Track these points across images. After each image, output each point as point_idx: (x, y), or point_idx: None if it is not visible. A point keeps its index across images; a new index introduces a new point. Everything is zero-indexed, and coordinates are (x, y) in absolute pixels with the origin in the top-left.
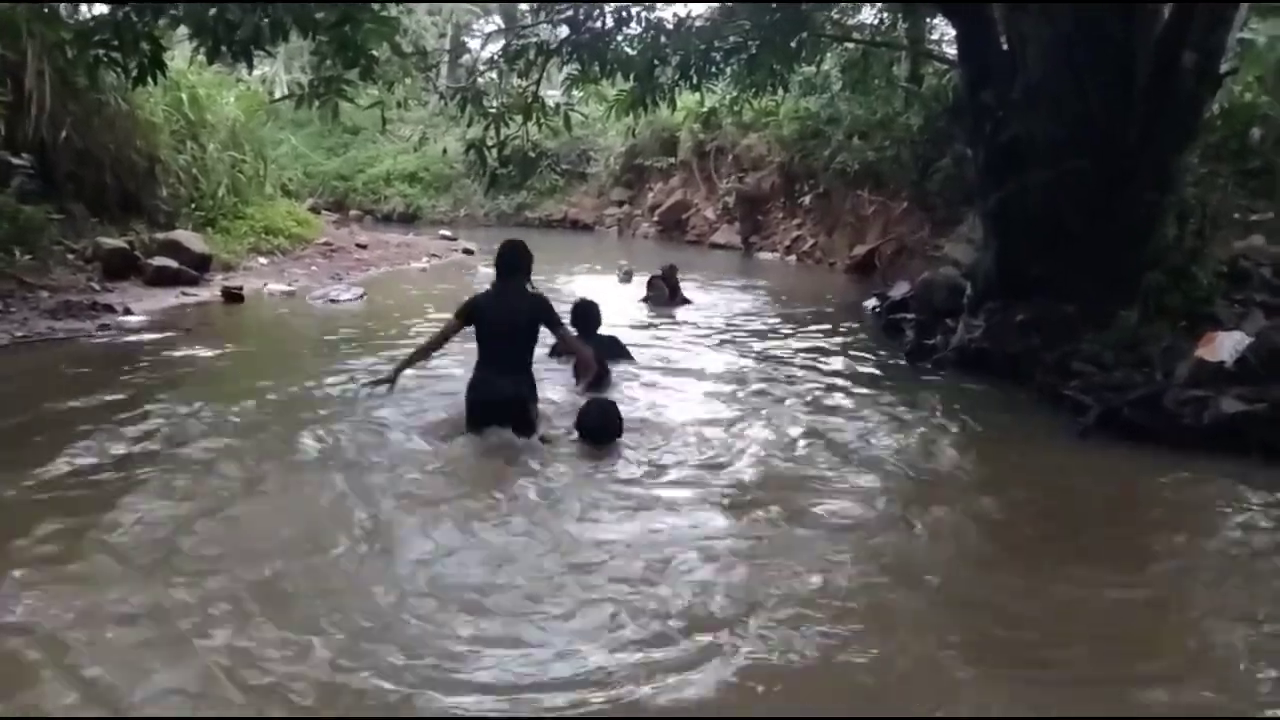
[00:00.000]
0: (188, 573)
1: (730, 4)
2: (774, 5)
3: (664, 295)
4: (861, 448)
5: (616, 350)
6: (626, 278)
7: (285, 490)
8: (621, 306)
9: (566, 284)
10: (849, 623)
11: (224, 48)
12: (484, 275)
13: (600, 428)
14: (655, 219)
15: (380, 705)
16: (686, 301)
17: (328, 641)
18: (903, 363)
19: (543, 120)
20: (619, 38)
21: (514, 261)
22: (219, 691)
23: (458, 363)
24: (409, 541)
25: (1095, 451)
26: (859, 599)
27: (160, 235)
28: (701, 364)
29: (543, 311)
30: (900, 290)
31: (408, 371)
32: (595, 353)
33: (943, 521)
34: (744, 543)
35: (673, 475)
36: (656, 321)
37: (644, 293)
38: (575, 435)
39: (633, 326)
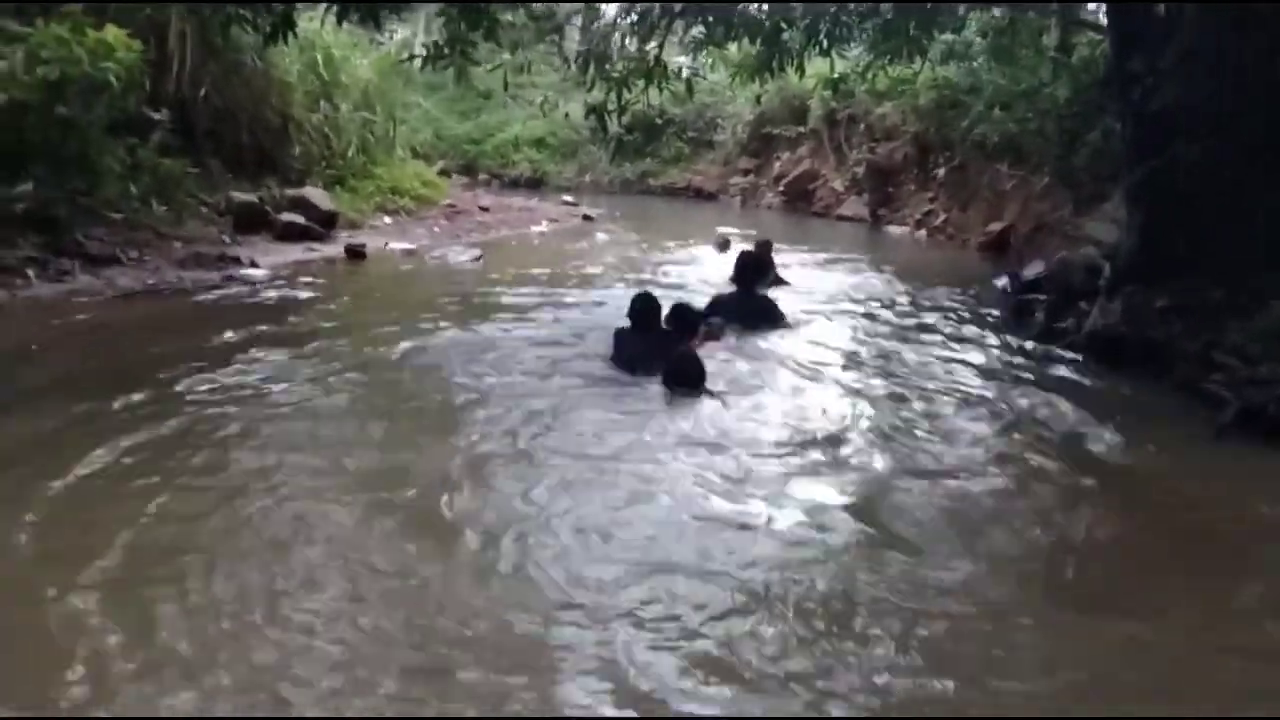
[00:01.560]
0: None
1: None
2: None
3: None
4: (974, 438)
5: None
6: (723, 246)
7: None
8: (701, 285)
9: (664, 254)
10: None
11: (352, 9)
12: (600, 241)
13: (679, 372)
14: (780, 189)
15: None
16: (782, 283)
17: None
18: (1029, 346)
19: (665, 85)
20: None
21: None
22: None
23: None
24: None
25: (1234, 454)
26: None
27: (290, 192)
28: (811, 342)
29: None
30: (1034, 269)
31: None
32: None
33: (1056, 536)
34: (841, 531)
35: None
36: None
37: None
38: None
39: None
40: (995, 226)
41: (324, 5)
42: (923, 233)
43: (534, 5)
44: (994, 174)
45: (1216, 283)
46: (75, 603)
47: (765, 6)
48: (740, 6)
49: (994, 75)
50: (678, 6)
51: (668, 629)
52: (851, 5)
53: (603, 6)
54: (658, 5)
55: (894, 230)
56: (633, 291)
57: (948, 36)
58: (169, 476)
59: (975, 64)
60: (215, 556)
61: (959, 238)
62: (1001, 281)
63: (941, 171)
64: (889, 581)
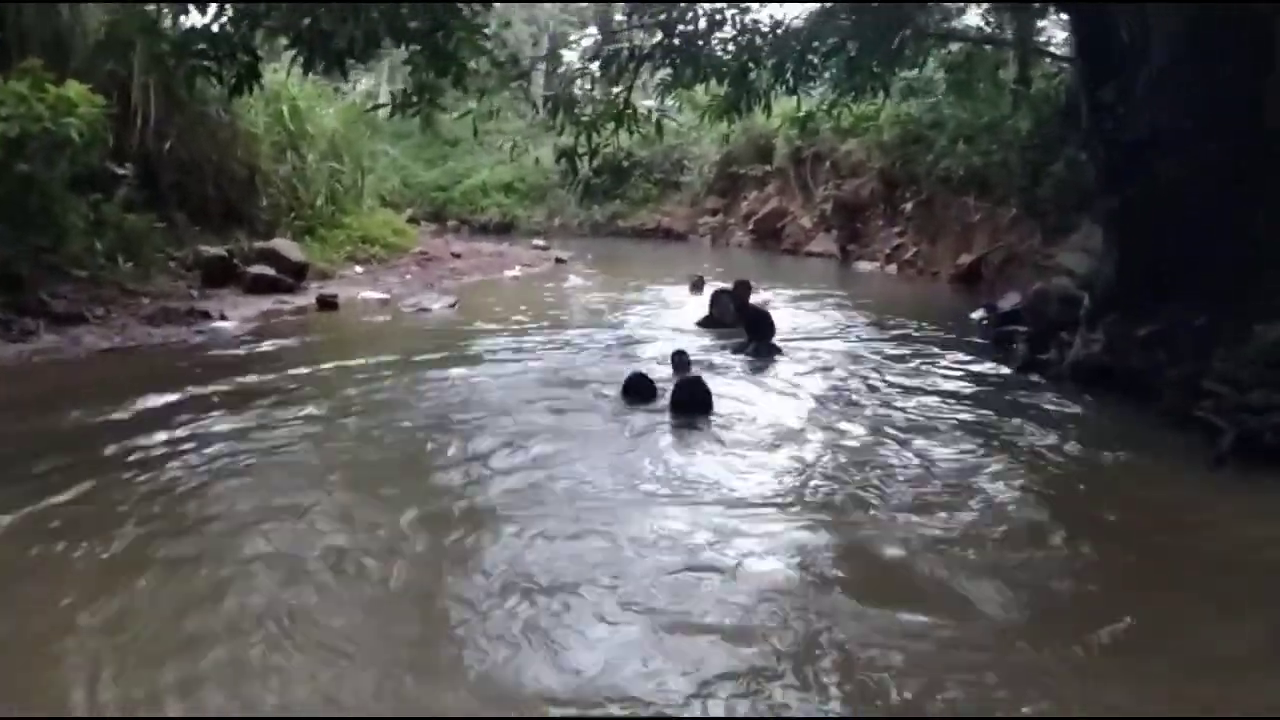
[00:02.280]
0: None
1: (829, 4)
2: (875, 4)
3: (729, 314)
4: (966, 472)
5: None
6: (697, 287)
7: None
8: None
9: (638, 295)
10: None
11: (319, 58)
12: (574, 284)
13: (689, 400)
14: (750, 228)
15: None
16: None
17: None
18: (1013, 378)
19: (634, 127)
20: (713, 41)
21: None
22: None
23: None
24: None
25: (1230, 483)
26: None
27: (259, 244)
28: (792, 379)
29: None
30: (1010, 301)
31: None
32: None
33: (1054, 567)
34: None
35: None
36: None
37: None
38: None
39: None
40: (965, 259)
41: (289, 56)
42: (893, 267)
43: (498, 52)
44: (961, 207)
45: (1197, 309)
46: None
47: (731, 47)
48: (707, 49)
49: (956, 109)
50: (645, 48)
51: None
52: (816, 44)
53: (569, 55)
54: (625, 48)
55: (864, 266)
56: (611, 333)
57: (909, 73)
58: (124, 546)
59: (936, 99)
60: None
61: (929, 271)
62: (978, 314)
63: (909, 206)
64: (868, 626)
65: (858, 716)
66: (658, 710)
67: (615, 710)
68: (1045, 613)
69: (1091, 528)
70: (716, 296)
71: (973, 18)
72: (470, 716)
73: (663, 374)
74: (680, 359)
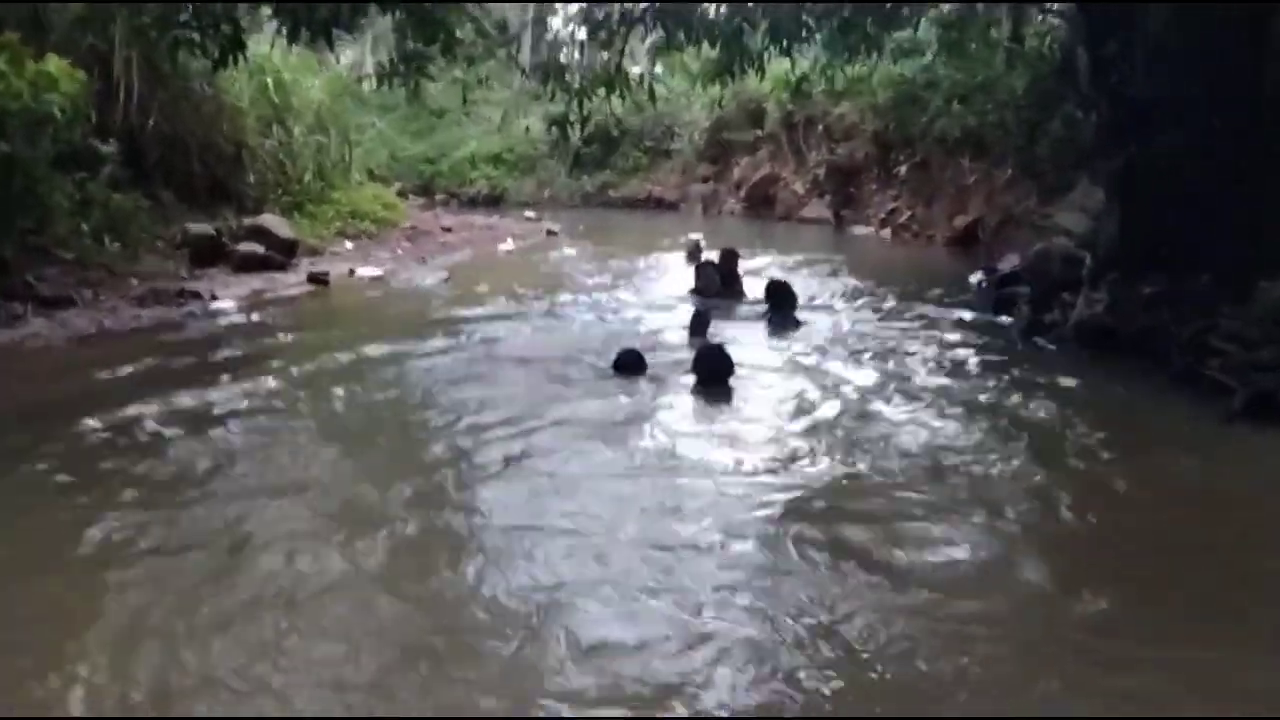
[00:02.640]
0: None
1: None
2: None
3: (714, 285)
4: (976, 437)
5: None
6: (694, 256)
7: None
8: (664, 300)
9: (632, 264)
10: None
11: (304, 27)
12: (567, 255)
13: (711, 370)
14: (742, 195)
15: None
16: (743, 295)
17: None
18: (1017, 339)
19: (626, 93)
20: (704, 2)
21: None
22: None
23: None
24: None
25: (1245, 440)
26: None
27: (247, 221)
28: (798, 346)
29: None
30: (1010, 263)
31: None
32: None
33: (1068, 535)
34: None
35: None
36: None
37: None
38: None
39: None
40: (961, 221)
41: (272, 27)
42: (887, 231)
43: (486, 19)
44: (956, 169)
45: (1202, 269)
46: None
47: (724, 9)
48: (699, 9)
49: (949, 70)
50: (637, 10)
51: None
52: (811, 4)
53: (551, 17)
54: (617, 10)
55: (858, 230)
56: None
57: (902, 34)
58: (136, 531)
59: (929, 59)
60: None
61: (924, 235)
62: (977, 276)
63: (903, 169)
64: (879, 602)
65: (858, 716)
66: (655, 700)
67: (611, 702)
68: (1060, 585)
69: (1105, 493)
70: (700, 268)
71: None
72: (472, 717)
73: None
74: (699, 321)
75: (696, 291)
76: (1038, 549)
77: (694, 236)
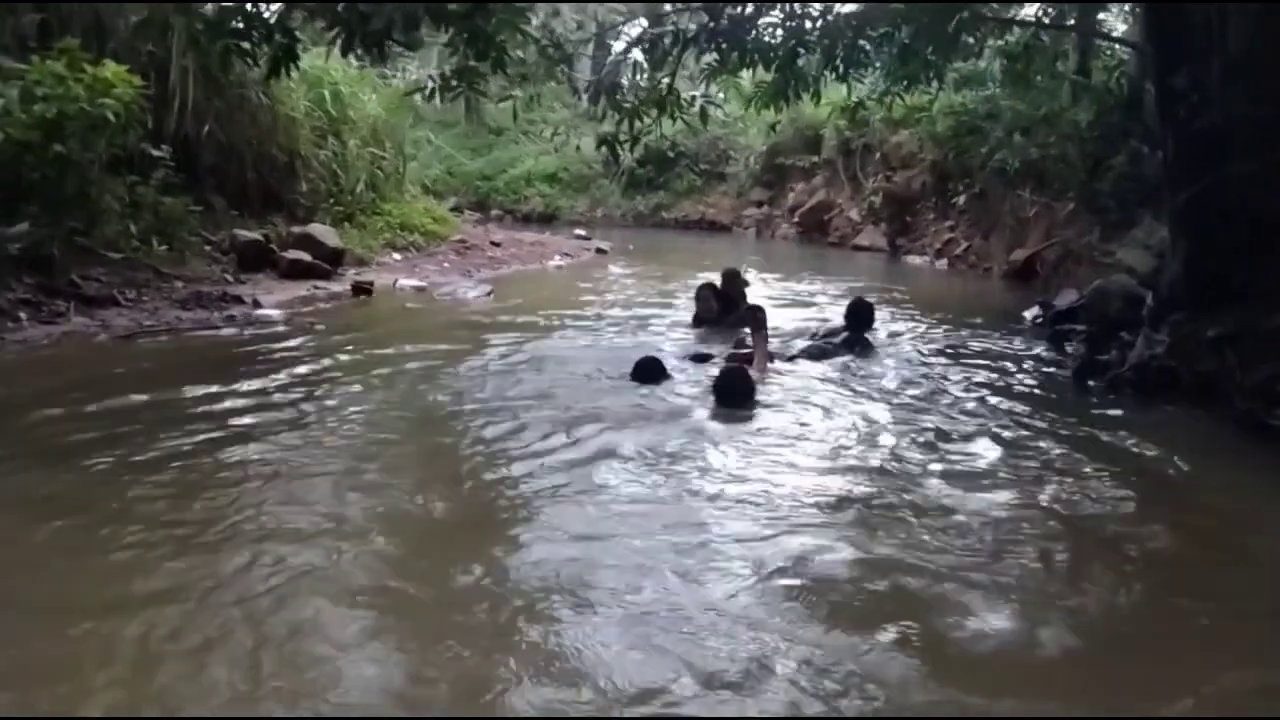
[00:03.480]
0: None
1: None
2: None
3: (711, 311)
4: (1025, 481)
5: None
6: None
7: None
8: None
9: (680, 285)
10: None
11: (357, 40)
12: (614, 274)
13: (728, 390)
14: (795, 220)
15: None
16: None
17: None
18: (1071, 379)
19: (678, 113)
20: (760, 24)
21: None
22: None
23: None
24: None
25: None
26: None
27: (296, 229)
28: (841, 374)
29: None
30: (1067, 299)
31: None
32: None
33: (1120, 595)
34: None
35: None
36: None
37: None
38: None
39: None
40: (1020, 254)
41: (328, 40)
42: (943, 262)
43: (543, 39)
44: (1016, 201)
45: (1270, 310)
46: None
47: (780, 32)
48: (753, 33)
49: (1013, 101)
50: (691, 30)
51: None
52: (867, 29)
53: (617, 46)
54: (670, 32)
55: (913, 260)
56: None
57: (964, 65)
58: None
59: (992, 91)
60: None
61: (981, 266)
62: (1032, 312)
63: (961, 199)
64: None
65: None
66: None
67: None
68: (1107, 649)
69: (1162, 547)
70: (699, 291)
71: (1031, 7)
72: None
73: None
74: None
75: (698, 320)
76: (1077, 628)
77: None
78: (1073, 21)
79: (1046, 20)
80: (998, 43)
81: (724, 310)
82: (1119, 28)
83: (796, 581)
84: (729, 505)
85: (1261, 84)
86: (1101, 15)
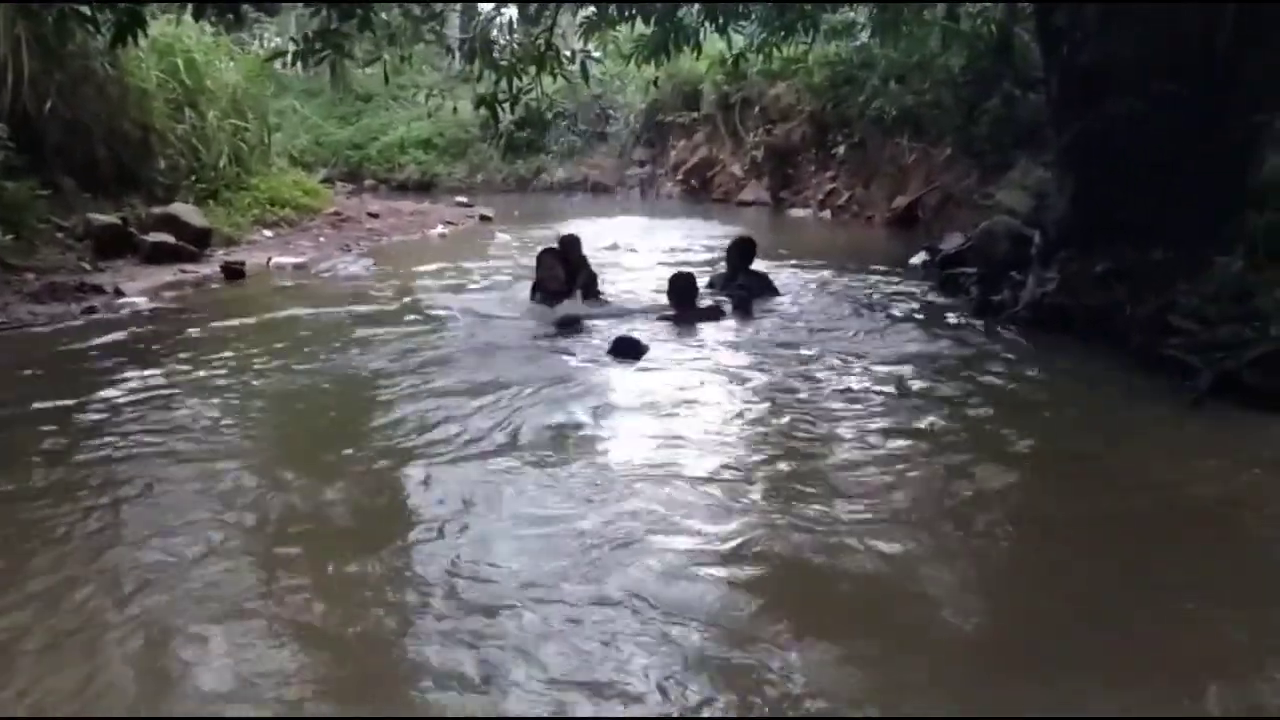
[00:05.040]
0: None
1: None
2: None
3: (559, 279)
4: (932, 424)
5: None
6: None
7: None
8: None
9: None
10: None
11: (210, 4)
12: (502, 241)
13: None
14: (679, 178)
15: None
16: (597, 294)
17: None
18: (967, 320)
19: (558, 70)
20: None
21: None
22: None
23: None
24: None
25: (1215, 421)
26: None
27: (157, 210)
28: (731, 330)
29: None
30: (953, 242)
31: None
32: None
33: (1037, 530)
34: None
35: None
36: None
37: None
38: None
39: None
40: (901, 201)
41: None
42: (827, 213)
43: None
44: (894, 148)
45: (1155, 244)
46: None
47: None
48: None
49: (886, 49)
50: None
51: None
52: None
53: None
54: None
55: (797, 212)
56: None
57: (834, 16)
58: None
59: (863, 40)
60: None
61: (864, 215)
62: (919, 257)
63: (841, 149)
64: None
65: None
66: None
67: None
68: (1022, 584)
69: (1074, 482)
70: (542, 258)
71: None
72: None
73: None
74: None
75: (539, 286)
76: (1007, 554)
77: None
78: None
79: None
80: None
81: (567, 281)
82: None
83: (711, 562)
84: (638, 475)
85: (1136, 26)
86: None
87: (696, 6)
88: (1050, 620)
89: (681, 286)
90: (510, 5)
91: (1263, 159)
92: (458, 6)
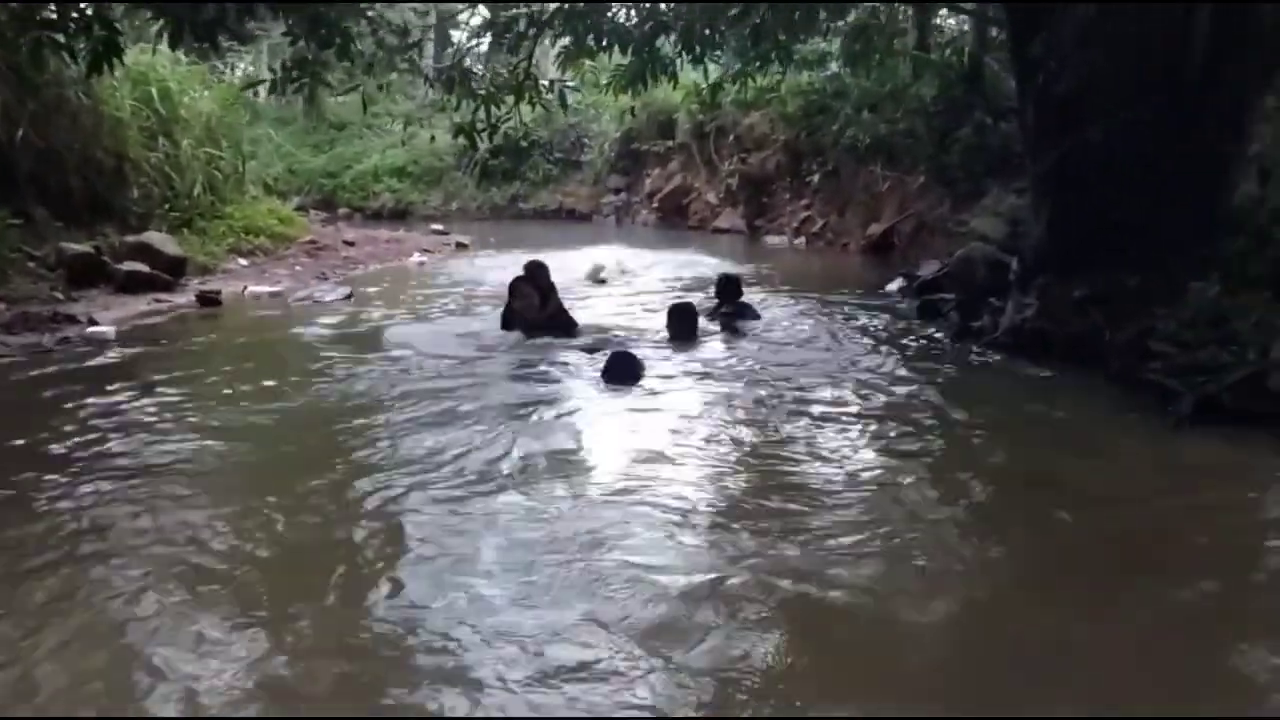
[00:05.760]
0: None
1: None
2: None
3: (534, 308)
4: (917, 451)
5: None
6: (597, 277)
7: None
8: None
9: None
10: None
11: (187, 31)
12: (479, 267)
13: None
14: (654, 205)
15: None
16: (569, 324)
17: None
18: (948, 346)
19: (535, 99)
20: (615, 6)
21: None
22: None
23: None
24: None
25: (1197, 443)
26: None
27: (130, 238)
28: (708, 358)
29: None
30: (930, 269)
31: None
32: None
33: (1025, 553)
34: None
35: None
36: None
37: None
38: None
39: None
40: (875, 229)
41: (155, 32)
42: (802, 240)
43: (385, 26)
44: (868, 176)
45: (1132, 269)
46: None
47: (634, 14)
48: (610, 13)
49: (858, 78)
50: (546, 13)
51: None
52: (724, 10)
53: (458, 36)
54: (524, 15)
55: (772, 240)
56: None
57: (806, 48)
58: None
59: (834, 70)
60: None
61: (839, 243)
62: (896, 283)
63: (815, 178)
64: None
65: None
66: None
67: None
68: (1001, 613)
69: (1059, 507)
70: (516, 286)
71: None
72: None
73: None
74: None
75: (514, 313)
76: (986, 570)
77: (598, 265)
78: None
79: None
80: (839, 23)
81: (541, 305)
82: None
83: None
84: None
85: (1102, 53)
86: None
87: (673, 37)
88: (1027, 652)
89: (681, 315)
90: (487, 35)
91: (1235, 185)
92: (431, 36)
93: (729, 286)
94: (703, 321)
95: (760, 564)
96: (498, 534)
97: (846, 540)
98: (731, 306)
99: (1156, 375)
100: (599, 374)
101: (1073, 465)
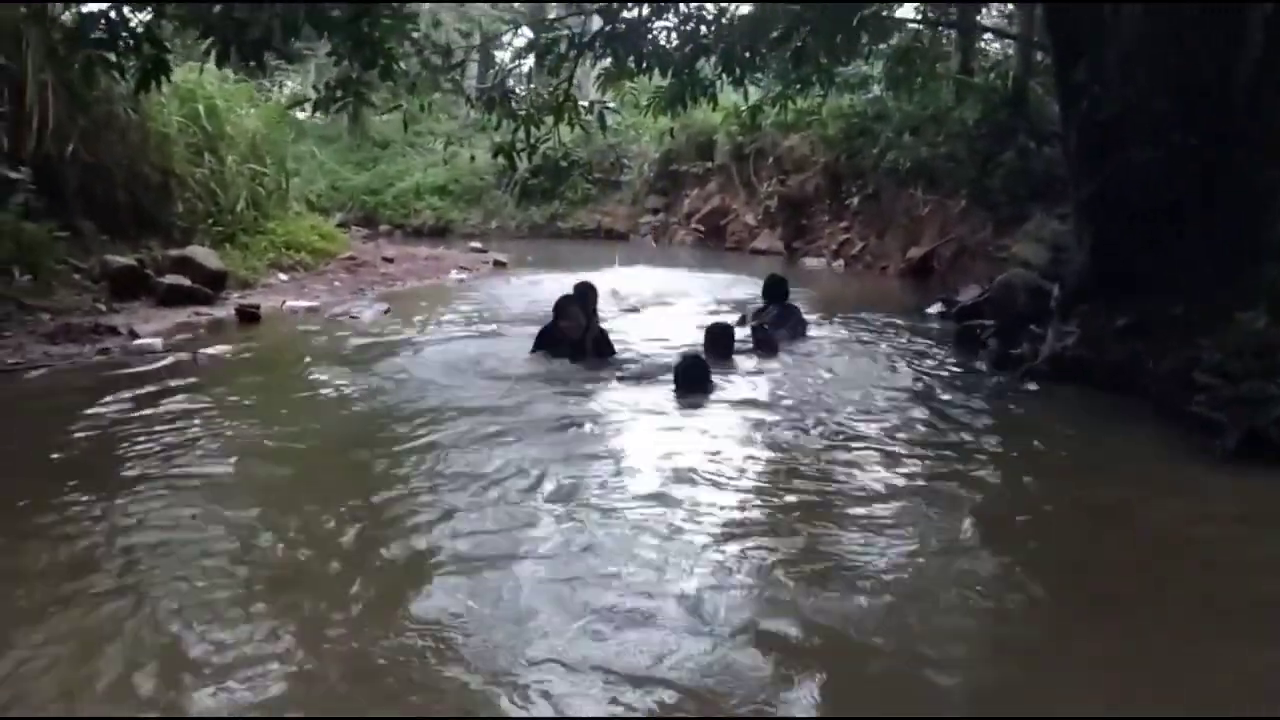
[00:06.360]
0: None
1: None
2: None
3: (580, 327)
4: (958, 478)
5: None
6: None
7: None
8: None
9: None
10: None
11: (234, 50)
12: (516, 285)
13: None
14: (692, 226)
15: None
16: (608, 347)
17: None
18: (987, 373)
19: (575, 120)
20: (656, 28)
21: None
22: None
23: None
24: None
25: (1244, 479)
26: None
27: (173, 252)
28: (747, 382)
29: None
30: (970, 294)
31: None
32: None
33: (1063, 587)
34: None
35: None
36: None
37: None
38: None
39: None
40: (915, 252)
41: (203, 51)
42: (840, 263)
43: (428, 48)
44: (909, 200)
45: (1175, 298)
46: None
47: (675, 36)
48: (651, 35)
49: (900, 101)
50: (588, 35)
51: None
52: (765, 32)
53: (501, 56)
54: (565, 36)
55: (810, 262)
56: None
57: (848, 70)
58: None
59: (876, 92)
60: None
61: (878, 266)
62: (935, 308)
63: (855, 200)
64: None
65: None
66: None
67: None
68: (1052, 645)
69: (1103, 541)
70: (563, 305)
71: (909, 8)
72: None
73: None
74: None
75: (560, 332)
76: (1029, 617)
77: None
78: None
79: (932, 17)
80: (881, 46)
81: (585, 326)
82: (999, 24)
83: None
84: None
85: (1153, 75)
86: (985, 15)
87: (713, 59)
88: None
89: (717, 335)
90: (529, 56)
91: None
92: (474, 56)
93: (777, 288)
94: (743, 331)
95: (805, 607)
96: (537, 560)
97: (878, 570)
98: (778, 308)
99: (1200, 407)
100: (670, 388)
101: (1112, 497)
